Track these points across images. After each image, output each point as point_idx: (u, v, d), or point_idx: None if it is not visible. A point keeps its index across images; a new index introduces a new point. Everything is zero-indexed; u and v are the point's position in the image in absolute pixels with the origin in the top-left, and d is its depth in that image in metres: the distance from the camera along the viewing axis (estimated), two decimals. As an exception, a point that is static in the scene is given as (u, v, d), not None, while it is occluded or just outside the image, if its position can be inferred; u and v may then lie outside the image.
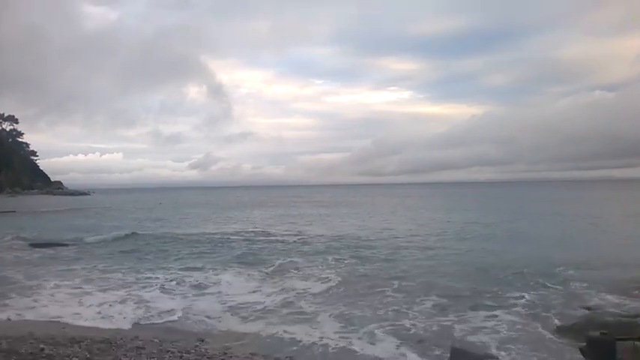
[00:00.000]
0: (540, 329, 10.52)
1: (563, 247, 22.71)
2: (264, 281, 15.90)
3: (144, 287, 14.90)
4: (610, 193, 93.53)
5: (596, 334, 7.17)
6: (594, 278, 15.03)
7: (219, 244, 25.27)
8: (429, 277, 16.05)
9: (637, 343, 7.38)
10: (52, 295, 13.74)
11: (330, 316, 11.74)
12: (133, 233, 30.05)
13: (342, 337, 10.12)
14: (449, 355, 8.56)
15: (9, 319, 11.21)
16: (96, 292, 14.11)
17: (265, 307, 12.64)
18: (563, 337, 9.88)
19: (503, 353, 9.17)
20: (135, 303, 12.89)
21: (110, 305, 12.58)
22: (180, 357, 8.15)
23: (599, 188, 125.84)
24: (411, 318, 11.47)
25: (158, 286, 15.10)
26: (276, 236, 28.88)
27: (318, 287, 14.73)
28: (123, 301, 13.03)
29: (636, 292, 13.32)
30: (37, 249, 23.65)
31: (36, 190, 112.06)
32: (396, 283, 15.09)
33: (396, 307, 12.32)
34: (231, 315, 12.05)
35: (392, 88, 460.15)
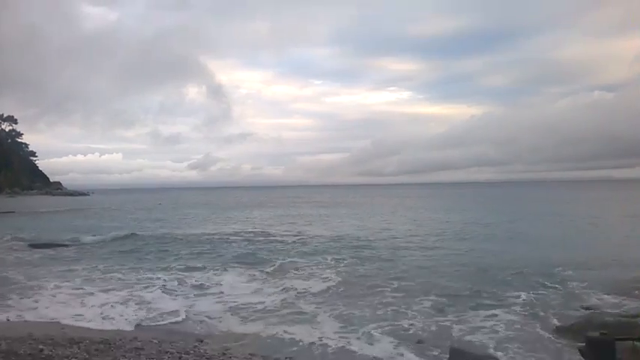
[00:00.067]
0: (539, 329, 10.53)
1: (562, 248, 22.72)
2: (265, 281, 15.91)
3: (145, 288, 14.88)
4: (609, 193, 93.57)
5: (595, 334, 7.17)
6: (593, 278, 15.04)
7: (219, 245, 25.26)
8: (428, 277, 16.07)
9: (636, 343, 7.38)
10: (54, 296, 13.69)
11: (329, 316, 11.76)
12: (132, 234, 30.04)
13: (342, 337, 10.12)
14: (448, 355, 8.56)
15: (8, 320, 11.20)
16: (97, 293, 14.07)
17: (265, 307, 12.65)
18: (562, 338, 9.89)
19: (501, 353, 9.17)
20: (136, 304, 12.87)
21: (112, 306, 12.55)
22: (179, 358, 8.15)
23: (598, 188, 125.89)
24: (410, 318, 11.48)
25: (159, 286, 15.09)
26: (275, 236, 28.88)
27: (317, 287, 14.73)
28: (124, 302, 13.00)
29: (636, 292, 13.33)
30: (36, 249, 23.63)
31: (35, 191, 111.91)
32: (395, 283, 15.10)
33: (395, 307, 12.33)
34: (232, 315, 12.05)
35: (391, 88, 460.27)
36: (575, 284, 14.47)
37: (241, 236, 28.99)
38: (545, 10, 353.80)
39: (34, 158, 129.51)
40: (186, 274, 17.18)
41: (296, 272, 17.35)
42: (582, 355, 7.35)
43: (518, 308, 12.11)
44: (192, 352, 8.58)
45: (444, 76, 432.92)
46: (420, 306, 12.46)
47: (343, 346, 9.64)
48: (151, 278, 16.37)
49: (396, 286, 14.73)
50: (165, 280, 16.03)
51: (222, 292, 14.39)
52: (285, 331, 10.51)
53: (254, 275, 16.90)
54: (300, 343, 9.80)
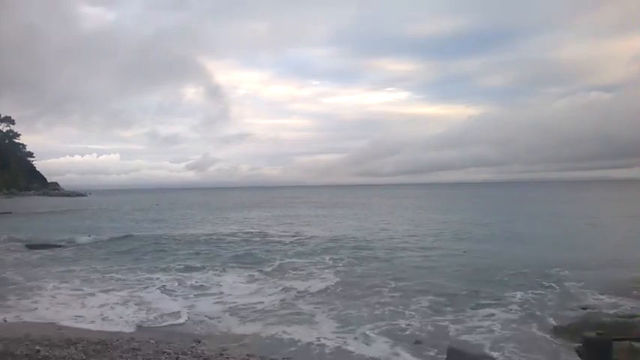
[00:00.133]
0: (536, 329, 10.55)
1: (560, 248, 22.76)
2: (263, 282, 15.91)
3: (144, 288, 14.89)
4: (607, 193, 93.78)
5: (592, 334, 7.16)
6: (590, 278, 15.07)
7: (217, 245, 25.24)
8: (426, 277, 16.08)
9: (633, 343, 7.40)
10: (54, 297, 13.67)
11: (327, 316, 11.78)
12: (130, 234, 30.02)
13: (339, 337, 10.14)
14: (445, 355, 8.56)
15: (5, 321, 11.17)
16: (97, 294, 14.06)
17: (264, 307, 12.67)
18: (559, 338, 9.91)
19: (498, 353, 9.19)
20: (136, 304, 12.86)
21: (112, 307, 12.53)
22: (177, 358, 8.14)
23: (595, 189, 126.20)
24: (408, 318, 11.50)
25: (158, 287, 15.11)
26: (273, 237, 28.88)
27: (316, 287, 14.74)
28: (124, 303, 12.99)
29: (634, 292, 13.35)
30: (34, 250, 23.58)
31: (32, 192, 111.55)
32: (393, 283, 15.12)
33: (392, 307, 12.36)
34: (230, 315, 12.07)
35: (389, 88, 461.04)
36: (572, 284, 14.49)
37: (239, 237, 28.98)
38: (543, 11, 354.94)
39: (32, 159, 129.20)
40: (185, 274, 17.17)
41: (294, 272, 17.35)
42: (579, 356, 7.35)
43: (515, 308, 12.13)
44: (189, 352, 8.57)
45: (442, 76, 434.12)
46: (418, 306, 12.49)
47: (340, 347, 9.65)
48: (149, 279, 16.37)
49: (393, 286, 14.75)
50: (164, 280, 16.03)
51: (221, 293, 14.40)
52: (283, 332, 10.53)
53: (253, 276, 16.91)
54: (298, 344, 9.82)
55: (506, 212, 48.38)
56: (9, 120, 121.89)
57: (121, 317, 11.66)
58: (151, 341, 9.27)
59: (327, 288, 14.70)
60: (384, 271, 17.28)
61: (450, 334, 10.38)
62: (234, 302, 13.21)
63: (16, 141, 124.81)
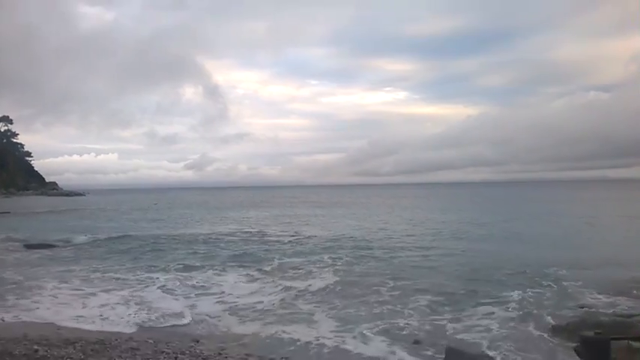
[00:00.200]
0: (535, 329, 10.56)
1: (558, 247, 22.80)
2: (262, 281, 15.91)
3: (145, 288, 14.88)
4: (605, 193, 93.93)
5: (590, 333, 7.19)
6: (588, 278, 15.10)
7: (216, 245, 25.23)
8: (424, 276, 16.11)
9: (631, 342, 7.41)
10: (55, 297, 13.61)
11: (326, 315, 11.80)
12: (129, 234, 29.98)
13: (338, 336, 10.16)
14: (444, 354, 8.57)
15: (3, 320, 11.15)
16: (98, 294, 14.02)
17: (263, 307, 12.67)
18: (557, 337, 9.92)
19: (496, 352, 9.20)
20: (137, 304, 12.83)
21: (112, 307, 12.49)
22: (175, 358, 8.15)
23: (594, 188, 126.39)
24: (406, 317, 11.52)
25: (158, 286, 15.11)
26: (272, 236, 28.88)
27: (314, 287, 14.75)
28: (125, 303, 12.96)
29: (634, 292, 13.37)
30: (32, 250, 23.54)
31: (31, 191, 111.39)
32: (391, 282, 15.14)
33: (390, 307, 12.39)
34: (230, 315, 12.07)
35: (387, 88, 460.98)
36: (570, 284, 14.51)
37: (238, 236, 28.98)
38: (541, 11, 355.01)
39: (30, 158, 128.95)
40: (184, 274, 17.18)
41: (293, 272, 17.35)
42: (578, 355, 7.37)
43: (513, 307, 12.15)
44: (187, 352, 8.58)
45: (441, 76, 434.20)
46: (416, 305, 12.51)
47: (339, 346, 9.67)
48: (150, 278, 16.36)
49: (392, 285, 14.77)
50: (164, 280, 16.02)
51: (221, 292, 14.39)
52: (282, 331, 10.53)
53: (252, 275, 16.91)
54: (297, 343, 9.82)
55: (505, 212, 48.44)
56: (7, 119, 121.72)
57: (122, 318, 11.61)
58: (150, 341, 9.27)
59: (326, 287, 14.71)
60: (383, 270, 17.30)
61: (448, 333, 10.40)
62: (233, 302, 13.21)
63: (14, 140, 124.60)
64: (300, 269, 17.81)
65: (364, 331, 10.41)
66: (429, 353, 9.22)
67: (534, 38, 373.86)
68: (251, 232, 31.66)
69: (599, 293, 13.32)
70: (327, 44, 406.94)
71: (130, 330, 10.68)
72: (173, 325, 11.21)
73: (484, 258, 19.76)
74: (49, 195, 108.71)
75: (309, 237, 28.06)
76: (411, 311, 11.97)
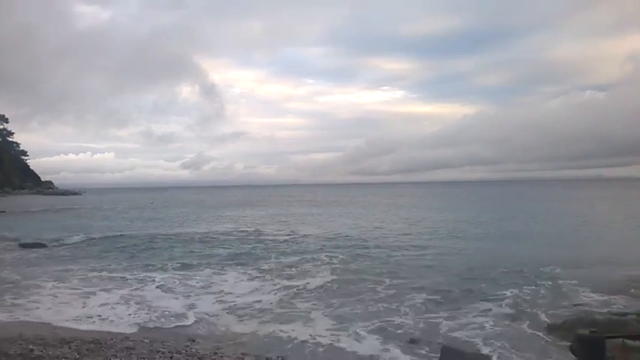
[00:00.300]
0: (530, 327, 10.59)
1: (554, 246, 22.87)
2: (260, 280, 15.90)
3: (143, 287, 14.83)
4: (601, 192, 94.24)
5: (585, 331, 7.19)
6: (584, 277, 15.14)
7: (213, 244, 25.20)
8: (420, 275, 16.15)
9: (626, 341, 7.43)
10: (55, 297, 13.54)
11: (322, 313, 11.82)
12: (125, 233, 29.91)
13: (333, 335, 10.18)
14: (439, 353, 8.58)
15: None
16: (97, 293, 13.97)
17: (260, 305, 12.67)
18: (552, 335, 9.95)
19: (490, 349, 9.23)
20: (137, 304, 12.79)
21: (113, 307, 12.43)
22: (171, 357, 8.14)
23: (590, 187, 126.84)
24: (401, 315, 11.55)
25: (157, 285, 15.08)
26: (269, 235, 28.86)
27: (311, 285, 14.77)
28: (125, 302, 12.90)
29: (631, 290, 13.41)
30: (28, 249, 23.45)
31: (26, 190, 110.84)
32: (387, 280, 15.17)
33: (386, 305, 12.42)
34: (228, 314, 12.05)
35: (384, 87, 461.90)
36: (565, 282, 14.56)
37: (235, 235, 28.96)
38: (538, 10, 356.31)
39: (25, 157, 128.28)
40: (182, 272, 17.18)
41: (290, 271, 17.35)
42: (572, 353, 7.37)
43: (509, 305, 12.18)
44: (183, 351, 8.57)
45: (437, 75, 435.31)
46: (412, 302, 12.55)
47: (332, 344, 9.69)
48: (148, 277, 16.33)
49: (388, 283, 14.80)
50: (162, 279, 15.98)
51: (220, 291, 14.34)
52: (280, 330, 10.54)
53: (249, 274, 16.90)
54: (294, 341, 9.84)
55: (501, 211, 48.54)
56: (2, 118, 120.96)
57: (122, 318, 11.53)
58: (146, 340, 9.25)
59: (322, 286, 14.73)
60: (379, 268, 17.32)
61: (443, 331, 10.42)
62: (232, 301, 13.19)
63: (10, 139, 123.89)
64: (296, 268, 17.82)
65: (359, 330, 10.43)
66: (423, 352, 9.23)
67: (531, 38, 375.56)
68: (247, 231, 31.64)
69: (594, 292, 13.36)
70: (324, 43, 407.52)
71: (130, 330, 10.60)
72: (176, 326, 11.08)
73: (480, 256, 19.81)
74: (45, 194, 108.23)
75: (305, 236, 28.07)
76: (406, 309, 12.00)
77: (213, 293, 14.18)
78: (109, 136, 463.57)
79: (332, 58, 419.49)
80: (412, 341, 9.76)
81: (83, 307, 12.43)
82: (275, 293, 13.98)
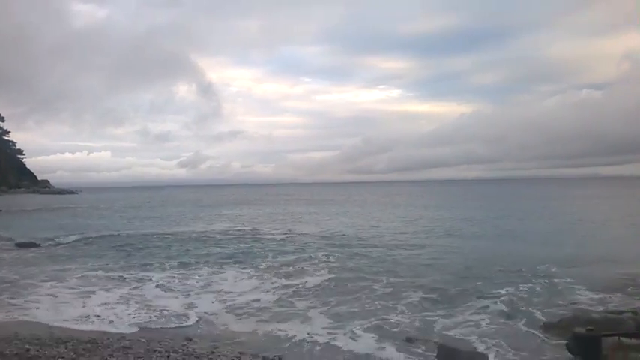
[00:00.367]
0: (526, 325, 10.63)
1: (550, 244, 22.93)
2: (257, 279, 15.90)
3: (142, 286, 14.79)
4: (597, 190, 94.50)
5: (581, 330, 7.23)
6: (580, 275, 15.20)
7: (210, 243, 25.18)
8: (417, 273, 16.19)
9: (622, 338, 7.48)
10: (55, 296, 13.49)
11: (320, 312, 11.86)
12: (122, 232, 29.84)
13: (330, 333, 10.20)
14: (435, 351, 8.60)
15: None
16: (97, 292, 13.94)
17: (259, 304, 12.69)
18: (548, 333, 9.98)
19: (487, 348, 9.25)
20: (136, 303, 12.77)
21: (113, 307, 12.38)
22: (168, 356, 8.12)
23: (586, 186, 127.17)
24: (398, 313, 11.60)
25: (156, 284, 15.04)
26: (266, 234, 28.85)
27: (308, 284, 14.79)
28: (125, 302, 12.87)
29: (624, 288, 13.46)
30: (25, 248, 23.38)
31: (22, 189, 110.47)
32: (384, 279, 15.20)
33: (383, 303, 12.46)
34: (227, 313, 12.06)
35: (381, 86, 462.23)
36: (561, 280, 14.61)
37: (232, 234, 28.94)
38: (534, 9, 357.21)
39: (22, 156, 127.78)
40: (180, 271, 17.19)
41: (287, 269, 17.35)
42: (569, 351, 7.41)
43: (504, 303, 12.20)
44: (180, 350, 8.55)
45: (434, 74, 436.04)
46: (408, 301, 12.59)
47: (329, 342, 9.70)
48: (146, 276, 16.31)
49: (384, 282, 14.83)
50: (160, 278, 15.95)
51: (219, 290, 14.34)
52: (277, 329, 10.56)
53: (247, 273, 16.89)
54: (291, 340, 9.85)
55: (498, 209, 48.63)
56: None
57: (121, 318, 11.46)
58: (142, 339, 9.24)
59: (320, 284, 14.75)
60: (376, 267, 17.34)
61: (439, 329, 10.46)
62: (231, 300, 13.20)
63: (6, 138, 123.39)
64: (294, 266, 17.84)
65: (356, 328, 10.45)
66: (419, 350, 9.25)
67: (527, 37, 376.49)
68: (244, 230, 31.62)
69: (590, 290, 13.42)
70: (321, 42, 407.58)
71: (131, 330, 10.53)
72: (177, 326, 11.03)
73: (476, 255, 19.86)
74: (41, 193, 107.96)
75: (302, 234, 28.09)
76: (403, 307, 12.05)
77: (213, 292, 14.18)
78: (105, 135, 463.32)
79: (329, 56, 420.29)
80: (408, 339, 9.78)
81: (83, 307, 12.38)
82: (273, 292, 14.00)
